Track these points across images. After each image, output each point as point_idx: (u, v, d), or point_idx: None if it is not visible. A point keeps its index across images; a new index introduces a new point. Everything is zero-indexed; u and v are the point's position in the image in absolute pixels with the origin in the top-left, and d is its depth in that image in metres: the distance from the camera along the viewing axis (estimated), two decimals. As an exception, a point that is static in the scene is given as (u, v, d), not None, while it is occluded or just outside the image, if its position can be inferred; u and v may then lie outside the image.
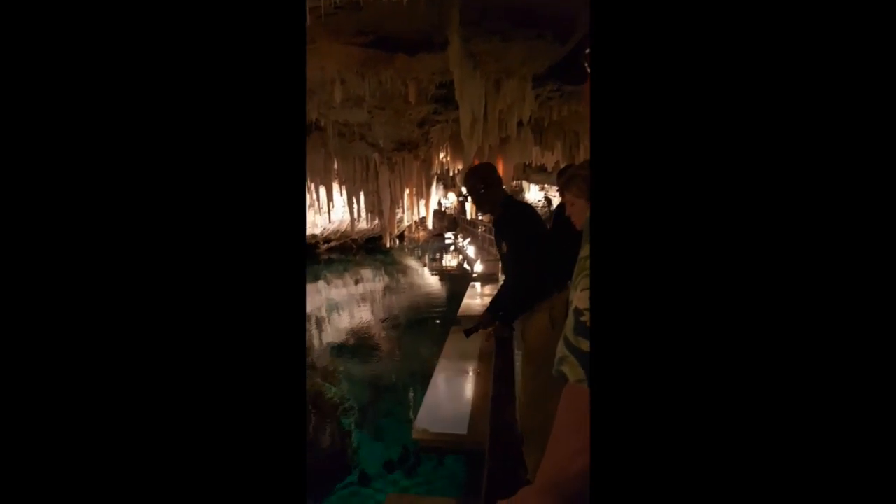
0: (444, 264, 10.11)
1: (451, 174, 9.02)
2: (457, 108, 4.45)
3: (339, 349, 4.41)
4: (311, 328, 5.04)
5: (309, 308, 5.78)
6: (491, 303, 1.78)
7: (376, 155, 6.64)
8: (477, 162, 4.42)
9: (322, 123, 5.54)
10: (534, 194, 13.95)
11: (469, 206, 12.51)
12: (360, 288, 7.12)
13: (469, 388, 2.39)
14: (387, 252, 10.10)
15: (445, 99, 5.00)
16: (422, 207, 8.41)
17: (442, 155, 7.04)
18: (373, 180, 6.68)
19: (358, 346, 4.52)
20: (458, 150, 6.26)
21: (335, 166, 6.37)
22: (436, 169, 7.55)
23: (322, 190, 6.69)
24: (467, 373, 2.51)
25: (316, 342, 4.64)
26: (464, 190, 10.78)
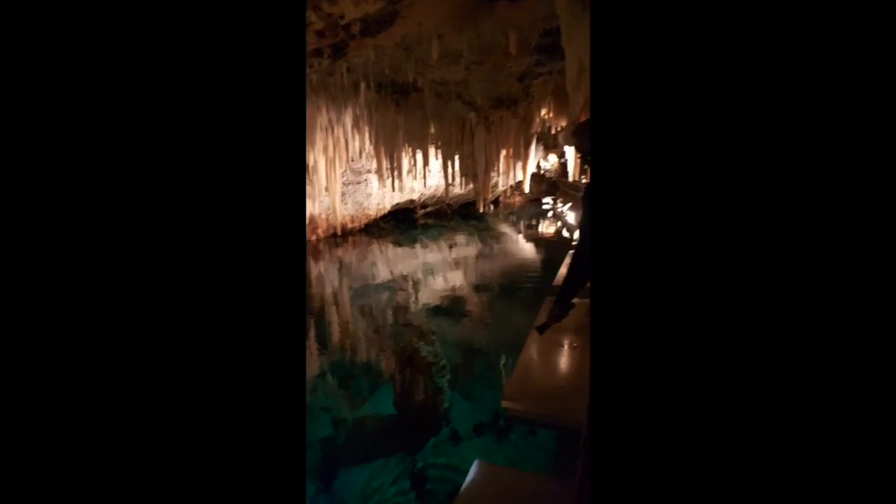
0: (540, 231, 9.72)
1: (552, 132, 8.43)
2: (562, 57, 4.04)
3: (433, 311, 4.52)
4: (409, 289, 5.25)
5: (406, 270, 6.02)
6: (560, 293, 1.51)
7: (472, 115, 6.44)
8: (583, 118, 4.00)
9: (419, 83, 5.49)
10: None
11: (571, 166, 11.66)
12: (454, 253, 7.20)
13: (563, 362, 2.25)
14: (481, 218, 10.03)
15: (549, 48, 4.58)
16: (518, 171, 8.07)
17: (543, 112, 6.57)
18: (468, 143, 6.53)
19: (451, 309, 4.59)
20: (561, 105, 5.76)
21: (431, 130, 6.35)
22: (536, 127, 7.10)
23: (419, 154, 6.76)
24: (562, 346, 2.36)
25: (412, 303, 4.82)
26: (567, 149, 10.10)
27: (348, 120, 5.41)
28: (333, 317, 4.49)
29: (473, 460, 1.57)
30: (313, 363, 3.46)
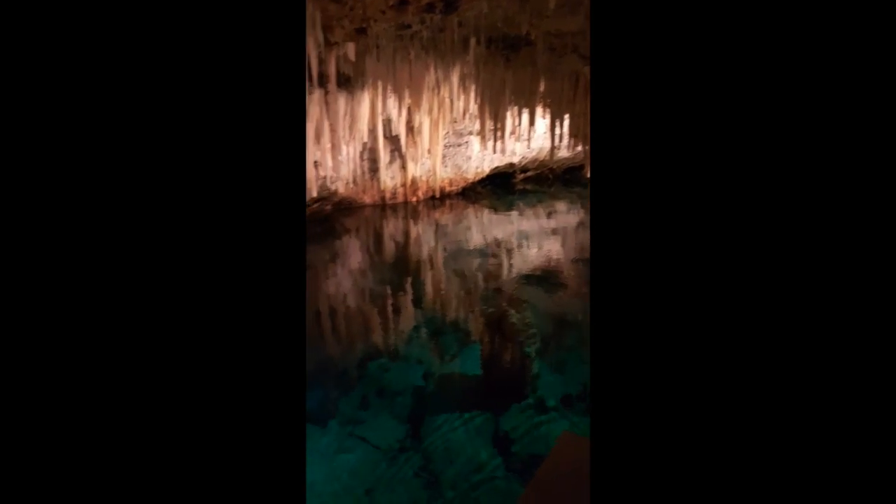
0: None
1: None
2: None
3: (526, 278, 4.42)
4: (502, 255, 5.19)
5: (500, 236, 5.94)
6: None
7: (587, 69, 5.88)
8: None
9: (532, 37, 5.14)
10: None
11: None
12: (553, 222, 6.89)
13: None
14: (586, 185, 9.39)
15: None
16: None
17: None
18: (581, 101, 6.01)
19: (545, 278, 4.44)
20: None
21: (541, 87, 5.96)
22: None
23: (525, 114, 6.44)
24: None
25: (505, 269, 4.77)
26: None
27: (455, 78, 5.33)
28: (428, 276, 4.65)
29: (558, 430, 1.52)
30: (409, 317, 3.65)
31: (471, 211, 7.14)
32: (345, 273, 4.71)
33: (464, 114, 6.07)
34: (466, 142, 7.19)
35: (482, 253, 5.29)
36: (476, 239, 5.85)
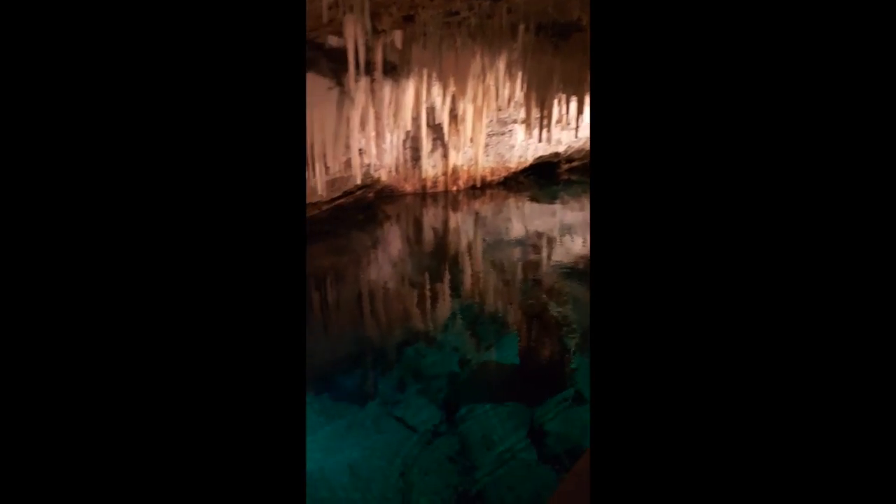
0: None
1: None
2: None
3: (568, 271, 4.32)
4: (543, 247, 5.10)
5: (542, 228, 5.82)
6: None
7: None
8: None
9: (584, 23, 4.94)
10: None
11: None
12: (597, 214, 6.66)
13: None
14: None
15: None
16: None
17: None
18: (633, 89, 5.74)
19: (588, 272, 4.32)
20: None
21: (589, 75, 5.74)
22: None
23: (573, 102, 6.23)
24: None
25: (545, 260, 4.68)
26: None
27: (502, 65, 5.23)
28: (466, 266, 4.65)
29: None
30: (446, 305, 3.68)
31: (512, 201, 7.04)
32: (385, 259, 4.80)
33: (509, 102, 5.96)
34: (510, 130, 7.06)
35: (522, 244, 5.22)
36: (516, 230, 5.78)
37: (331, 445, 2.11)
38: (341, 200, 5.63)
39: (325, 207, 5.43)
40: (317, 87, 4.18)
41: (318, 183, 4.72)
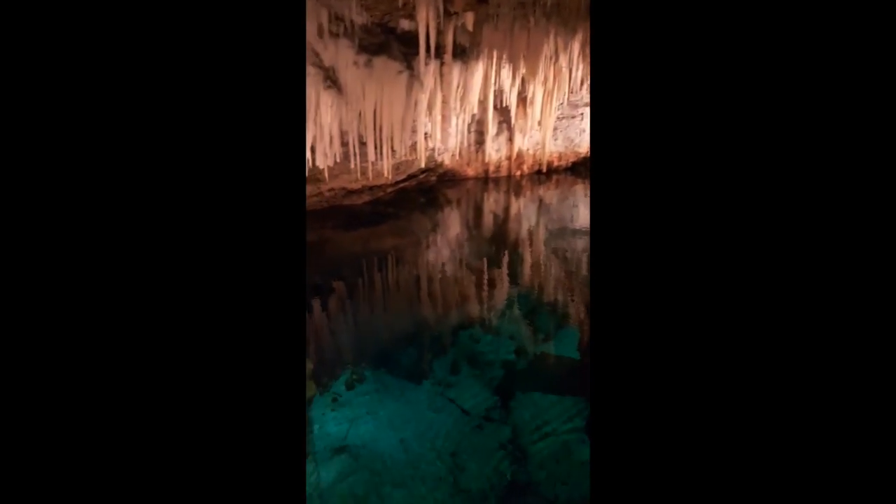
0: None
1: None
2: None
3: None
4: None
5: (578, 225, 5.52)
6: None
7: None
8: None
9: None
10: None
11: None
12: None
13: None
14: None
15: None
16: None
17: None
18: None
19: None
20: None
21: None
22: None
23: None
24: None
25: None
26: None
27: (576, 46, 4.96)
28: (526, 254, 4.56)
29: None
30: (503, 293, 3.64)
31: (580, 188, 6.75)
32: (444, 243, 4.84)
33: (581, 84, 5.66)
34: (581, 114, 6.72)
35: (588, 233, 5.00)
36: (583, 218, 5.53)
37: (384, 420, 2.20)
38: (405, 183, 5.73)
39: (389, 190, 5.58)
40: (387, 71, 4.25)
41: (384, 166, 4.84)
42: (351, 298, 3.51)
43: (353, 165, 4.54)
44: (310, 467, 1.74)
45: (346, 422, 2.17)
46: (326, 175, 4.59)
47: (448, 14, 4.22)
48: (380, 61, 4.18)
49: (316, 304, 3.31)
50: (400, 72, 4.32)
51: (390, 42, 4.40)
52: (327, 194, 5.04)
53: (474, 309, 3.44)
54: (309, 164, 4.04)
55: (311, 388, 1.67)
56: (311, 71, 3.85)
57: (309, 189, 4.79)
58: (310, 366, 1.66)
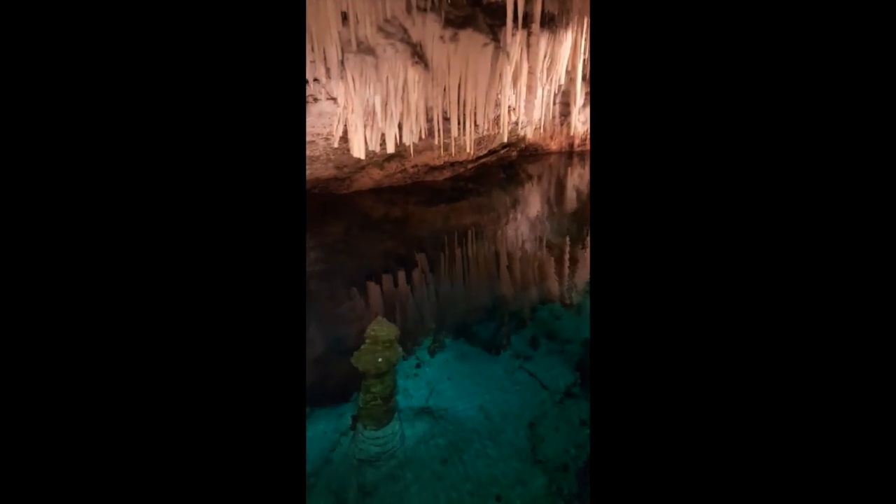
0: None
1: None
2: None
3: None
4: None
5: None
6: None
7: None
8: None
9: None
10: None
11: None
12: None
13: None
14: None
15: None
16: None
17: None
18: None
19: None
20: None
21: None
22: None
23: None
24: None
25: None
26: None
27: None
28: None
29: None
30: (585, 270, 3.54)
31: (673, 165, 6.18)
32: (524, 219, 4.79)
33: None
34: (681, 82, 6.07)
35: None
36: (676, 198, 5.09)
37: (464, 387, 2.32)
38: (486, 159, 5.71)
39: (470, 166, 5.60)
40: (472, 44, 4.20)
41: (466, 141, 4.86)
42: (433, 272, 3.66)
43: (436, 142, 4.63)
44: (395, 426, 1.89)
45: (427, 386, 2.32)
46: (412, 151, 4.74)
47: (538, -21, 4.02)
48: (465, 34, 4.14)
49: (401, 274, 3.51)
50: (486, 44, 4.24)
51: (476, 14, 4.33)
52: (411, 171, 5.22)
53: (554, 286, 3.39)
54: (396, 141, 4.20)
55: (397, 353, 1.81)
56: (398, 47, 3.95)
57: (394, 165, 4.99)
58: (396, 332, 1.80)
